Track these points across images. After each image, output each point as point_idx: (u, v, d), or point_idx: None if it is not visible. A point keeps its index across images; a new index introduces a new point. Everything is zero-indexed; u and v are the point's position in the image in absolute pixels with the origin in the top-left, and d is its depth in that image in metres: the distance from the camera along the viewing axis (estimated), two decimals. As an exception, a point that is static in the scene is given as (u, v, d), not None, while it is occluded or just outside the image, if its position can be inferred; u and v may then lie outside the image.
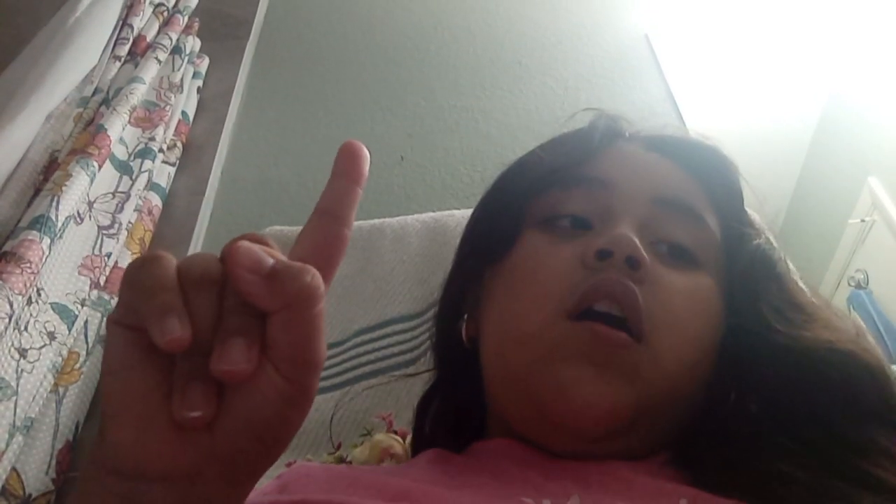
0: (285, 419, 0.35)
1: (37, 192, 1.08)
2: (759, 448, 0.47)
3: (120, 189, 1.23)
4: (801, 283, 0.57)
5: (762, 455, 0.47)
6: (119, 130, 1.22)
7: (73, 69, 1.28)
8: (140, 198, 1.26)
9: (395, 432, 0.90)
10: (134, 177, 1.26)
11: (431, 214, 1.27)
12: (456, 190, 1.45)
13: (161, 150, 1.35)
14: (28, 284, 0.92)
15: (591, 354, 0.48)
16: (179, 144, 1.43)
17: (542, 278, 0.53)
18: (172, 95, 1.43)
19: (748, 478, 0.46)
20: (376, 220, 1.28)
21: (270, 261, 0.33)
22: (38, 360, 0.94)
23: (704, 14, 1.78)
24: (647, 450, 0.51)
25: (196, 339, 0.32)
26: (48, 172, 1.13)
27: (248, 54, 1.70)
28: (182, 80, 1.48)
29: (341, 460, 0.89)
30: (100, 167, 1.13)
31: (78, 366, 1.02)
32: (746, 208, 0.61)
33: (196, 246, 1.32)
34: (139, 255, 1.23)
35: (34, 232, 0.96)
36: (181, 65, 1.49)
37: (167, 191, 1.36)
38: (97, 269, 1.10)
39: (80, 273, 1.07)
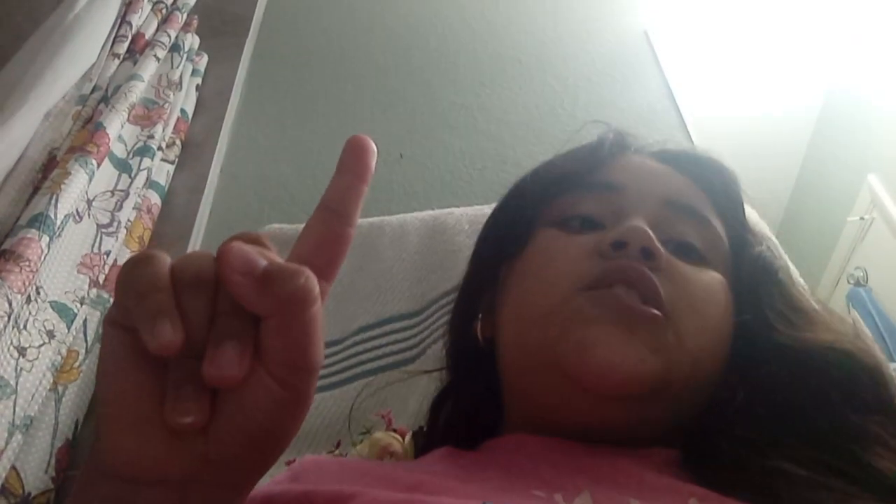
0: (281, 424, 0.34)
1: (35, 190, 1.08)
2: (765, 447, 0.48)
3: (119, 187, 1.23)
4: (802, 290, 0.59)
5: (767, 454, 0.47)
6: (118, 128, 1.22)
7: (72, 66, 1.28)
8: (139, 196, 1.26)
9: (395, 430, 0.90)
10: (133, 175, 1.25)
11: (431, 212, 1.27)
12: (455, 188, 1.44)
13: (160, 148, 1.34)
14: (27, 283, 0.92)
15: (616, 317, 0.49)
16: (178, 142, 1.43)
17: (559, 264, 0.54)
18: (171, 93, 1.43)
19: (752, 477, 0.46)
20: (375, 218, 1.28)
21: (263, 262, 0.32)
22: (37, 358, 0.93)
23: (704, 11, 1.78)
24: (659, 434, 0.52)
25: (189, 341, 0.31)
26: (47, 170, 1.13)
27: (247, 52, 1.69)
28: (181, 77, 1.48)
29: (341, 459, 0.89)
30: (99, 165, 1.13)
31: (77, 364, 1.02)
32: (748, 216, 0.64)
33: (195, 244, 1.32)
34: (135, 252, 1.23)
35: (33, 230, 0.96)
36: (180, 62, 1.49)
37: (166, 189, 1.35)
38: (96, 268, 1.10)
39: (79, 271, 1.07)
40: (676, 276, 0.52)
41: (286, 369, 0.33)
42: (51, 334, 0.97)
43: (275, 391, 0.33)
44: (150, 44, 1.45)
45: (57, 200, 1.01)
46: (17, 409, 0.88)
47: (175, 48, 1.49)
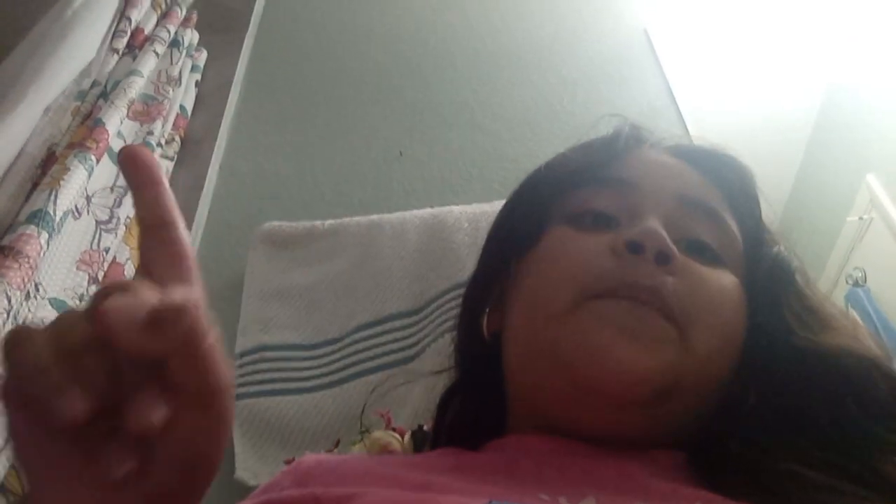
0: (210, 446, 0.35)
1: (34, 186, 1.08)
2: (775, 450, 0.48)
3: (118, 183, 1.22)
4: (818, 293, 0.58)
5: (780, 457, 0.47)
6: (117, 124, 1.22)
7: (71, 62, 1.28)
8: (138, 192, 1.25)
9: (394, 429, 0.90)
10: (132, 171, 1.25)
11: (430, 210, 1.27)
12: (454, 185, 1.44)
13: (159, 144, 1.34)
14: (26, 279, 0.92)
15: (625, 323, 0.49)
16: (178, 138, 1.42)
17: (571, 263, 0.53)
18: (171, 89, 1.42)
19: (763, 479, 0.46)
20: (375, 216, 1.28)
21: (142, 311, 0.32)
22: (36, 355, 0.93)
23: (703, 9, 1.78)
24: (667, 437, 0.52)
25: (97, 404, 0.31)
26: (46, 166, 1.13)
27: (246, 48, 1.69)
28: (180, 73, 1.48)
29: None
30: (98, 161, 1.13)
31: (76, 361, 1.02)
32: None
33: (195, 240, 1.32)
34: (135, 249, 1.22)
35: (32, 226, 0.96)
36: (179, 58, 1.48)
37: (165, 185, 1.35)
38: (95, 264, 1.10)
39: (78, 268, 1.07)
40: (690, 278, 0.52)
41: (202, 396, 0.33)
42: (49, 331, 0.97)
43: (197, 418, 0.34)
44: (150, 39, 1.44)
45: (56, 196, 1.01)
46: (15, 406, 0.88)
47: (174, 44, 1.49)
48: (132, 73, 1.32)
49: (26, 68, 1.20)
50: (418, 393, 0.96)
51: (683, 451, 0.52)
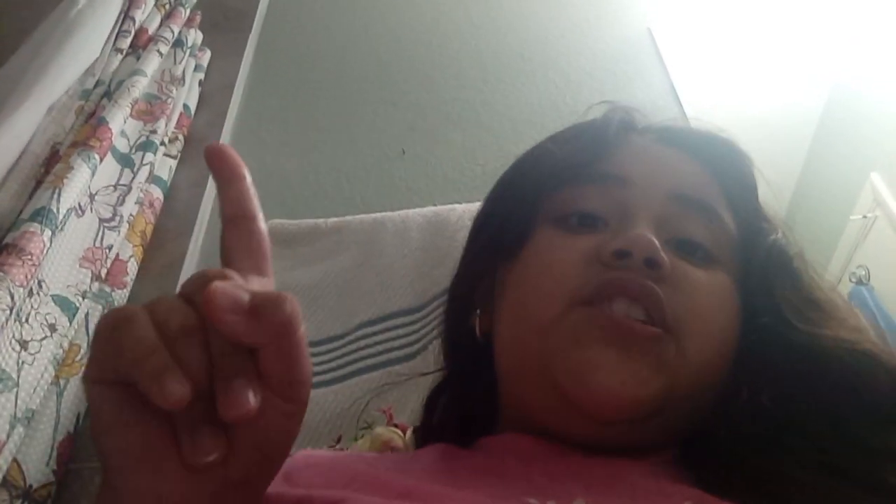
0: (288, 433, 0.36)
1: (38, 184, 1.08)
2: (767, 448, 0.47)
3: (121, 182, 1.23)
4: (817, 279, 0.56)
5: (769, 455, 0.46)
6: (120, 123, 1.22)
7: (75, 61, 1.28)
8: (141, 190, 1.26)
9: (396, 426, 0.90)
10: (135, 169, 1.25)
11: (433, 208, 1.27)
12: (458, 183, 1.44)
13: (163, 143, 1.34)
14: (29, 276, 0.92)
15: (612, 339, 0.47)
16: (181, 137, 1.43)
17: (557, 271, 0.52)
18: (174, 88, 1.43)
19: (754, 478, 0.45)
20: (378, 214, 1.28)
21: (247, 296, 0.33)
22: (38, 351, 0.94)
23: (707, 8, 1.78)
24: (658, 442, 0.51)
25: (193, 389, 0.32)
26: (49, 165, 1.13)
27: (249, 47, 1.69)
28: (184, 72, 1.48)
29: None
30: (101, 160, 1.13)
31: (79, 358, 1.02)
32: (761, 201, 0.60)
33: (198, 239, 1.32)
34: (138, 247, 1.23)
35: (35, 224, 0.96)
36: (183, 58, 1.49)
37: (168, 184, 1.36)
38: (98, 262, 1.10)
39: (81, 265, 1.07)
40: (681, 284, 0.50)
41: (288, 386, 0.35)
42: (52, 328, 0.98)
43: (282, 407, 0.35)
44: (153, 39, 1.45)
45: (59, 194, 1.01)
46: (18, 402, 0.88)
47: (178, 43, 1.49)
48: (136, 72, 1.32)
49: (30, 67, 1.20)
50: (420, 389, 0.96)
51: (675, 449, 0.51)
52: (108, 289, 1.12)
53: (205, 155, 0.40)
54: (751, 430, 0.49)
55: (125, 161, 1.26)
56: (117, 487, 0.34)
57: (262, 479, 0.38)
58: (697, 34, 1.74)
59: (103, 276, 1.12)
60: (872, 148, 1.51)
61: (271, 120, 1.58)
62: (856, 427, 0.47)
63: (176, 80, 1.44)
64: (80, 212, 1.11)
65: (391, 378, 1.02)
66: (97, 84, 1.31)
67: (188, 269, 1.26)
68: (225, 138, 1.50)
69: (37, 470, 0.90)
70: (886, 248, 1.42)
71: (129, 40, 1.41)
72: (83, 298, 1.05)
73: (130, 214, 1.21)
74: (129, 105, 1.26)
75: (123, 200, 1.20)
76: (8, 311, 0.88)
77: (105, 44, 1.37)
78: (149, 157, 1.28)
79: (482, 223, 0.65)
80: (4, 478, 0.85)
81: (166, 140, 1.37)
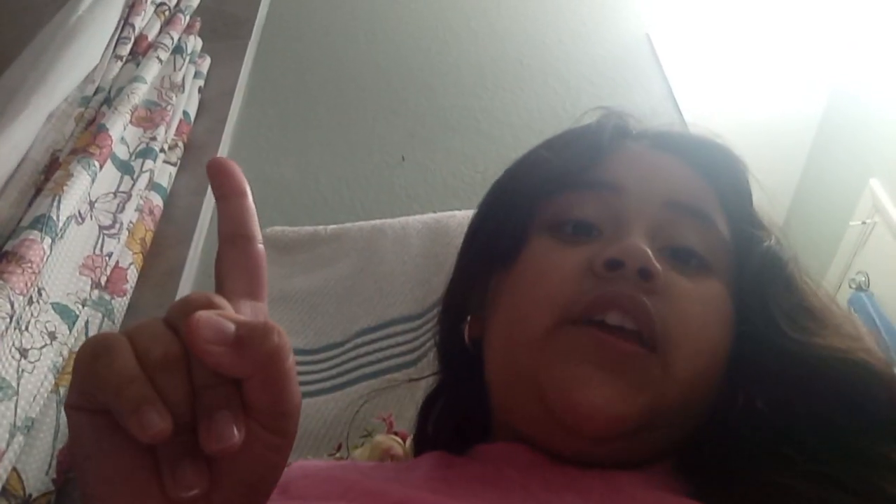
0: (274, 466, 0.35)
1: (38, 191, 1.08)
2: (763, 457, 0.46)
3: (121, 189, 1.23)
4: (811, 285, 0.56)
5: (766, 465, 0.46)
6: (120, 130, 1.22)
7: (75, 68, 1.28)
8: (141, 198, 1.26)
9: (396, 433, 0.90)
10: (135, 177, 1.25)
11: (433, 215, 1.27)
12: (457, 190, 1.44)
13: (162, 150, 1.34)
14: (29, 284, 0.92)
15: (599, 358, 0.47)
16: (181, 144, 1.43)
17: (549, 284, 0.52)
18: (174, 95, 1.43)
19: (750, 487, 0.45)
20: (377, 221, 1.28)
21: (231, 326, 0.32)
22: (38, 360, 0.93)
23: (706, 14, 1.78)
24: (653, 455, 0.50)
25: (174, 422, 0.31)
26: (49, 172, 1.13)
27: (249, 54, 1.70)
28: (183, 79, 1.48)
29: (342, 461, 0.89)
30: (101, 167, 1.13)
31: (79, 366, 1.02)
32: (756, 207, 0.60)
33: (197, 246, 1.32)
34: (138, 254, 1.23)
35: (35, 232, 0.96)
36: (183, 64, 1.49)
37: (168, 191, 1.36)
38: (98, 269, 1.10)
39: (81, 273, 1.07)
40: (673, 297, 0.50)
41: (275, 418, 0.34)
42: (52, 336, 0.97)
43: (268, 439, 0.34)
44: (153, 46, 1.45)
45: (59, 202, 1.01)
46: (18, 410, 0.88)
47: (178, 50, 1.49)
48: (135, 79, 1.32)
49: (30, 75, 1.20)
50: (420, 397, 0.96)
51: (672, 459, 0.51)
52: (107, 296, 1.12)
53: (207, 169, 0.38)
54: (747, 438, 0.48)
55: (125, 168, 1.26)
56: None
57: None
58: (696, 40, 1.75)
59: (103, 283, 1.12)
60: (871, 154, 1.51)
61: (271, 127, 1.58)
62: (850, 437, 0.46)
63: (176, 87, 1.44)
64: (79, 219, 1.10)
65: (392, 384, 1.02)
66: (97, 91, 1.31)
67: (188, 277, 1.26)
68: (224, 145, 1.50)
69: (36, 479, 0.90)
70: (886, 255, 1.42)
71: (128, 47, 1.41)
72: (83, 306, 1.05)
73: (130, 222, 1.21)
74: (129, 112, 1.26)
75: (123, 208, 1.20)
76: (8, 320, 0.88)
77: (105, 51, 1.37)
78: (148, 164, 1.28)
79: (476, 229, 0.64)
80: (4, 487, 0.85)
81: (166, 147, 1.37)
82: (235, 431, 0.31)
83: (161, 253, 1.27)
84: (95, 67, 1.34)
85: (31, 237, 0.95)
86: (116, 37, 1.41)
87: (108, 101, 1.30)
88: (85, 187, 1.08)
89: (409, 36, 1.76)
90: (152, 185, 1.31)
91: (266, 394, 0.33)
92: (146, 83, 1.34)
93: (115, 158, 1.23)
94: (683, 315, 0.50)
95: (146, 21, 1.49)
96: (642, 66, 1.67)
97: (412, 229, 1.23)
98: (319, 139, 1.55)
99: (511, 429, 0.55)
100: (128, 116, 1.25)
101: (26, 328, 0.94)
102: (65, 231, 1.03)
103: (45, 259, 0.96)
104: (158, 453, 0.32)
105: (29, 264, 0.92)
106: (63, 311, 1.01)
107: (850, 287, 1.44)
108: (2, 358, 0.88)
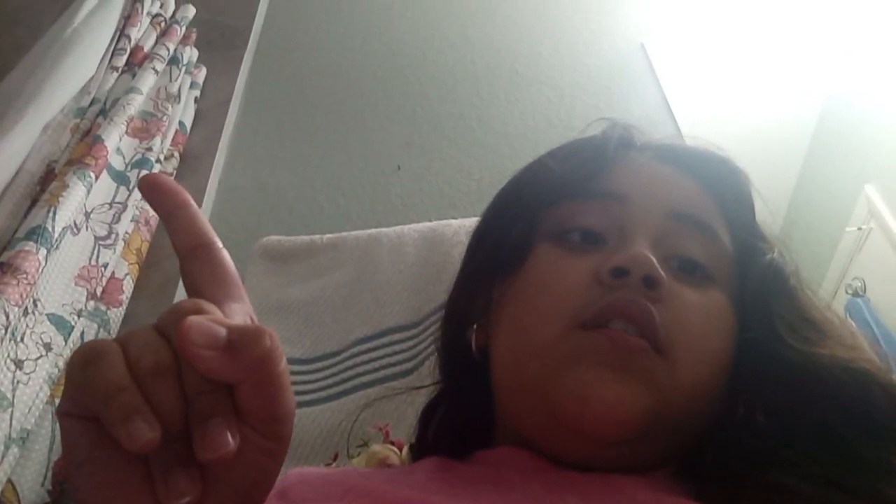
0: (268, 472, 0.35)
1: (33, 202, 1.09)
2: (765, 462, 0.47)
3: (117, 199, 1.23)
4: (813, 297, 0.56)
5: (767, 469, 0.46)
6: (116, 141, 1.22)
7: (71, 79, 1.29)
8: (137, 208, 1.26)
9: (392, 443, 0.89)
10: (131, 187, 1.26)
11: (428, 224, 1.27)
12: (453, 199, 1.45)
13: (158, 161, 1.35)
14: (24, 295, 0.92)
15: (609, 359, 0.48)
16: (177, 155, 1.43)
17: (556, 292, 0.52)
18: (170, 106, 1.43)
19: (751, 491, 0.45)
20: (373, 230, 1.28)
21: (223, 331, 0.32)
22: (34, 371, 0.93)
23: (700, 23, 1.79)
24: (655, 461, 0.51)
25: (166, 430, 0.31)
26: (45, 183, 1.13)
27: (245, 64, 1.70)
28: (179, 90, 1.48)
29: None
30: (97, 178, 1.13)
31: (74, 377, 1.02)
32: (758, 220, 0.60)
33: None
34: (134, 265, 1.23)
35: (31, 243, 0.96)
36: (178, 75, 1.49)
37: (164, 201, 1.35)
38: (94, 280, 1.10)
39: (76, 284, 1.07)
40: (677, 306, 0.50)
41: (268, 423, 0.33)
42: (48, 347, 0.97)
43: (261, 444, 0.34)
44: (149, 57, 1.45)
45: (55, 213, 1.01)
46: (13, 421, 0.88)
47: (174, 61, 1.50)
48: (131, 90, 1.33)
49: (26, 86, 1.21)
50: (417, 406, 0.96)
51: (674, 464, 0.51)
52: (103, 307, 1.12)
53: (140, 188, 0.38)
54: (749, 444, 0.49)
55: (121, 179, 1.26)
56: None
57: None
58: (690, 49, 1.75)
59: (99, 294, 1.12)
60: (866, 160, 1.51)
61: (267, 137, 1.59)
62: (853, 442, 0.47)
63: (171, 98, 1.45)
64: (75, 230, 1.10)
65: (388, 393, 1.01)
66: (93, 102, 1.31)
67: (183, 288, 1.26)
68: (220, 155, 1.50)
69: (31, 490, 0.89)
70: (881, 260, 1.42)
71: (124, 58, 1.42)
72: (79, 317, 1.05)
73: (126, 232, 1.21)
74: (125, 123, 1.26)
75: (119, 218, 1.20)
76: (3, 331, 0.88)
77: (101, 62, 1.38)
78: (144, 174, 1.28)
79: (480, 238, 0.65)
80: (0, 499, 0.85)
81: (162, 157, 1.37)
82: (230, 439, 0.31)
83: (157, 263, 1.27)
84: (91, 78, 1.34)
85: (26, 248, 0.95)
86: (112, 48, 1.42)
87: (104, 112, 1.30)
88: (80, 198, 1.08)
89: (404, 46, 1.76)
90: (148, 196, 1.30)
91: (259, 398, 0.33)
92: (142, 94, 1.34)
93: (110, 169, 1.23)
94: (687, 324, 0.50)
95: (142, 32, 1.50)
96: (637, 75, 1.68)
97: (408, 238, 1.23)
98: (315, 149, 1.55)
99: (515, 434, 0.55)
100: (124, 127, 1.25)
101: (21, 339, 0.94)
102: (60, 242, 1.03)
103: (40, 270, 0.96)
104: (151, 460, 0.32)
105: (24, 275, 0.92)
106: (58, 322, 1.01)
107: (847, 293, 1.44)
108: (-3, 369, 0.88)
